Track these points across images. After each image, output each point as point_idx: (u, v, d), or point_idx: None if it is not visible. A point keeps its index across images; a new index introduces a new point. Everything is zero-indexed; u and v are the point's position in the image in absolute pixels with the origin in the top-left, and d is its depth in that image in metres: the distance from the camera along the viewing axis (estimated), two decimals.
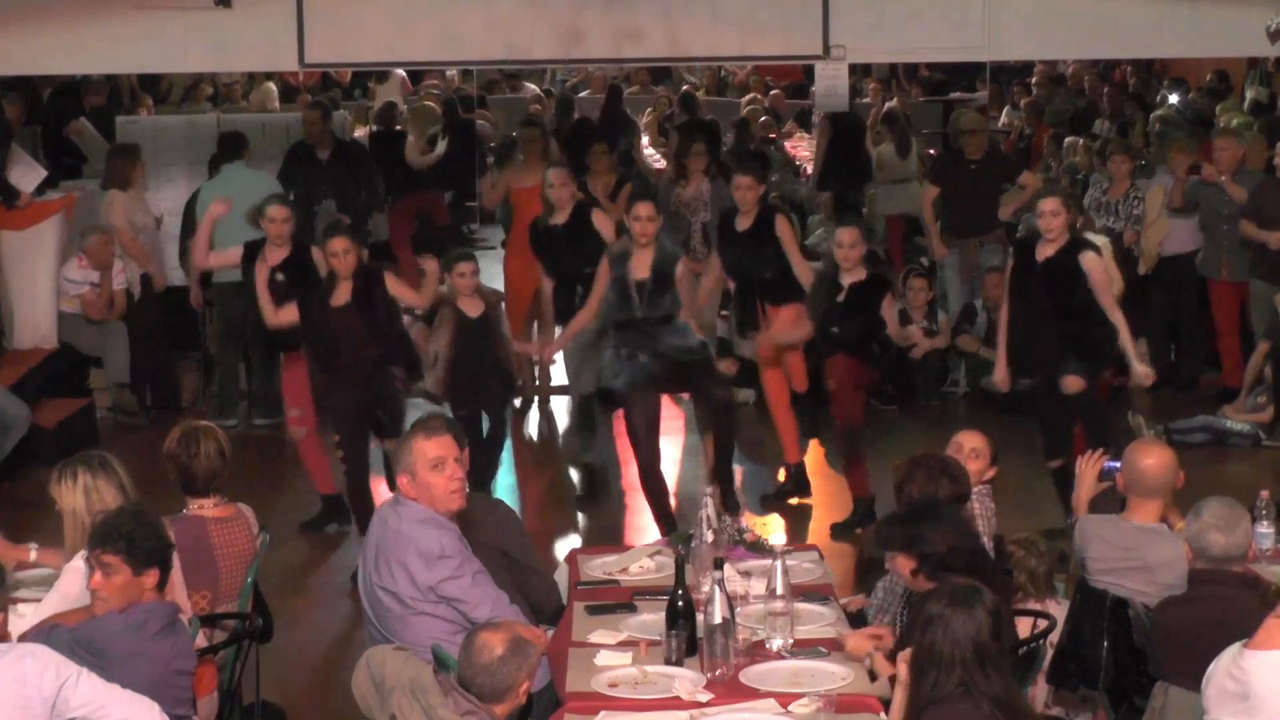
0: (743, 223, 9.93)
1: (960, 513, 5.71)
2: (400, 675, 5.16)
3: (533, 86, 21.47)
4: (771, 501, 9.95)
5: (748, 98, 19.74)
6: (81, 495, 5.94)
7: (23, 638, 5.30)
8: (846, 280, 9.40)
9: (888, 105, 18.37)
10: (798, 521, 9.85)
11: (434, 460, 5.79)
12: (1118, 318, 8.90)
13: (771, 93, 19.93)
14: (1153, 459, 6.20)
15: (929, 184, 13.13)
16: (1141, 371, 9.17)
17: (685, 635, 5.56)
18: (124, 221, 12.06)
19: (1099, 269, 8.91)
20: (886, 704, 5.14)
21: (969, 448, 6.74)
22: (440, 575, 5.73)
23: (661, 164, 16.22)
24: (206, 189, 11.96)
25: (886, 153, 15.90)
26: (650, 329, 9.05)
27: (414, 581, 5.74)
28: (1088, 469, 6.59)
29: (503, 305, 9.91)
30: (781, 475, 10.17)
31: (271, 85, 18.83)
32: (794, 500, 9.98)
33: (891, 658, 5.32)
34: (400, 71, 19.42)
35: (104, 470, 5.99)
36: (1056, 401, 8.97)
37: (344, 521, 9.60)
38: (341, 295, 9.06)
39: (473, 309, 9.44)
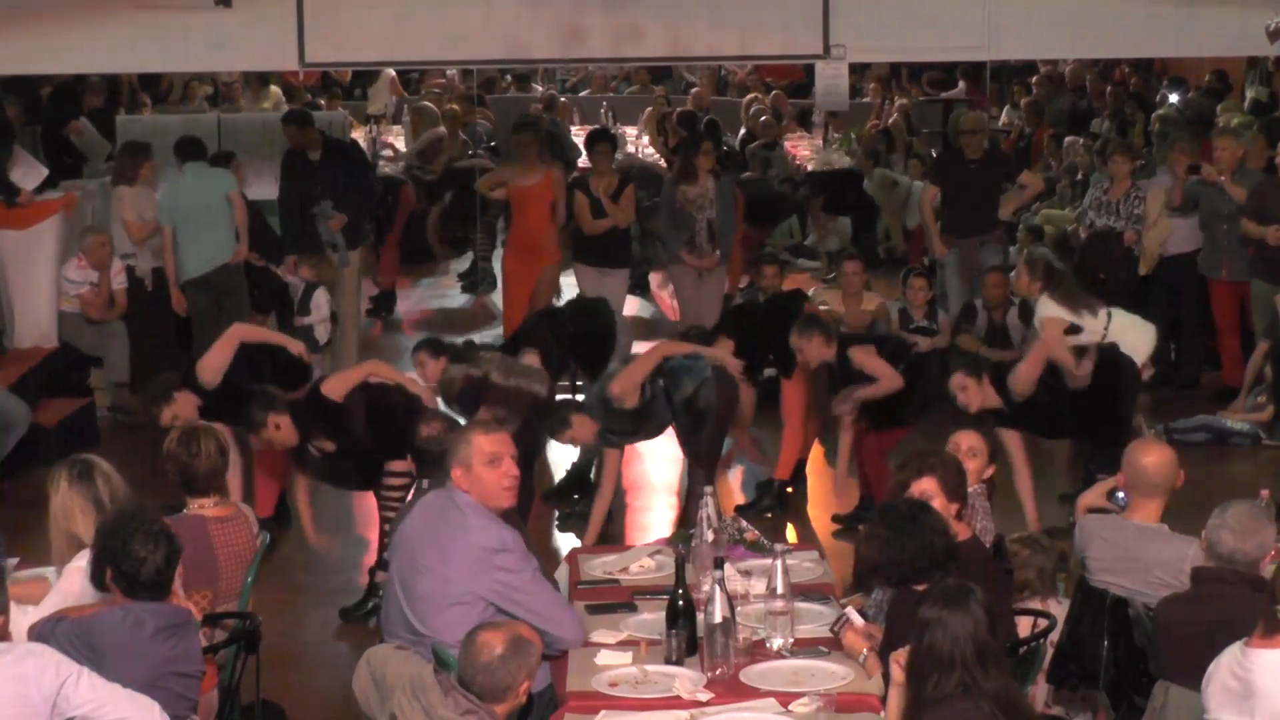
0: None
1: (920, 525, 5.53)
2: (400, 674, 5.16)
3: (539, 88, 21.48)
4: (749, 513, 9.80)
5: (749, 97, 19.75)
6: (60, 504, 5.95)
7: (30, 629, 5.32)
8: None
9: (899, 103, 18.42)
10: (797, 521, 9.86)
11: (490, 456, 5.81)
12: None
13: (773, 93, 19.93)
14: (1152, 457, 6.19)
15: (929, 183, 13.13)
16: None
17: (685, 634, 5.56)
18: (133, 214, 12.04)
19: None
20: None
21: (965, 447, 6.74)
22: (500, 565, 5.69)
23: (661, 163, 16.23)
24: (167, 190, 11.95)
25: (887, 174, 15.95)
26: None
27: (467, 571, 5.70)
28: (1103, 483, 6.64)
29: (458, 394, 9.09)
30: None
31: (276, 89, 18.78)
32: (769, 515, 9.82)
33: (882, 656, 5.33)
34: (389, 71, 19.41)
35: (81, 481, 5.95)
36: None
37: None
38: None
39: None
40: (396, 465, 8.41)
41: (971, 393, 9.00)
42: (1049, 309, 9.53)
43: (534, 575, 5.77)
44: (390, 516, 8.23)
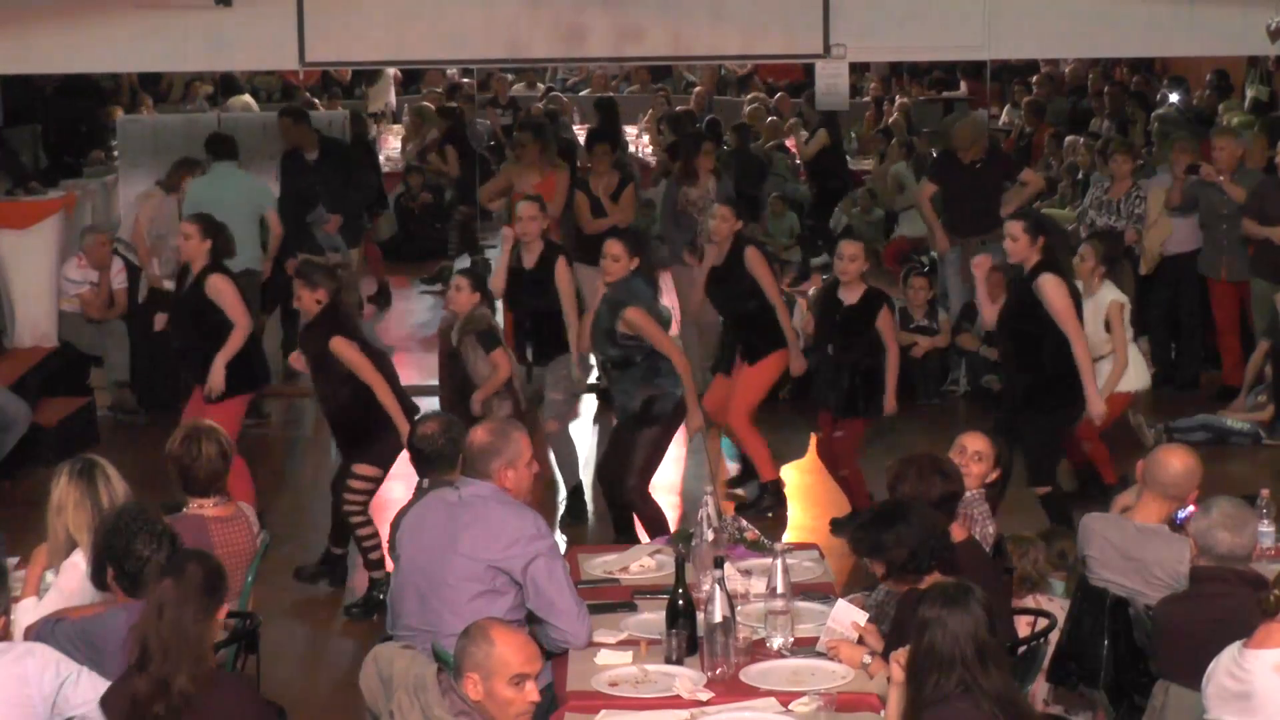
0: (715, 256, 9.92)
1: (929, 513, 5.65)
2: (406, 673, 5.16)
3: (540, 86, 21.50)
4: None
5: (750, 96, 19.76)
6: (56, 498, 5.94)
7: (29, 629, 5.32)
8: (845, 295, 9.38)
9: (900, 102, 18.44)
10: (798, 520, 9.86)
11: (529, 458, 6.02)
12: (1079, 350, 8.63)
13: (777, 95, 19.94)
14: (1180, 463, 6.17)
15: (926, 181, 13.07)
16: (1095, 411, 8.83)
17: (685, 634, 5.57)
18: (146, 218, 12.01)
19: (1058, 295, 8.57)
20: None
21: (972, 450, 6.71)
22: (538, 551, 5.78)
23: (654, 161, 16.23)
24: (195, 186, 11.92)
25: (904, 173, 15.93)
26: (611, 373, 8.87)
27: (519, 551, 5.77)
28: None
29: (488, 327, 9.19)
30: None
31: (248, 98, 18.71)
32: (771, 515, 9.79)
33: (884, 656, 5.33)
34: (389, 70, 19.41)
35: (81, 478, 5.91)
36: (1031, 430, 8.81)
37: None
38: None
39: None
40: (363, 469, 8.53)
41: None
42: (1115, 293, 9.70)
43: (563, 568, 5.87)
44: (359, 519, 8.51)
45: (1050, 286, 8.55)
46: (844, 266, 9.34)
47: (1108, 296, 9.62)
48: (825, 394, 9.49)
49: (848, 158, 18.33)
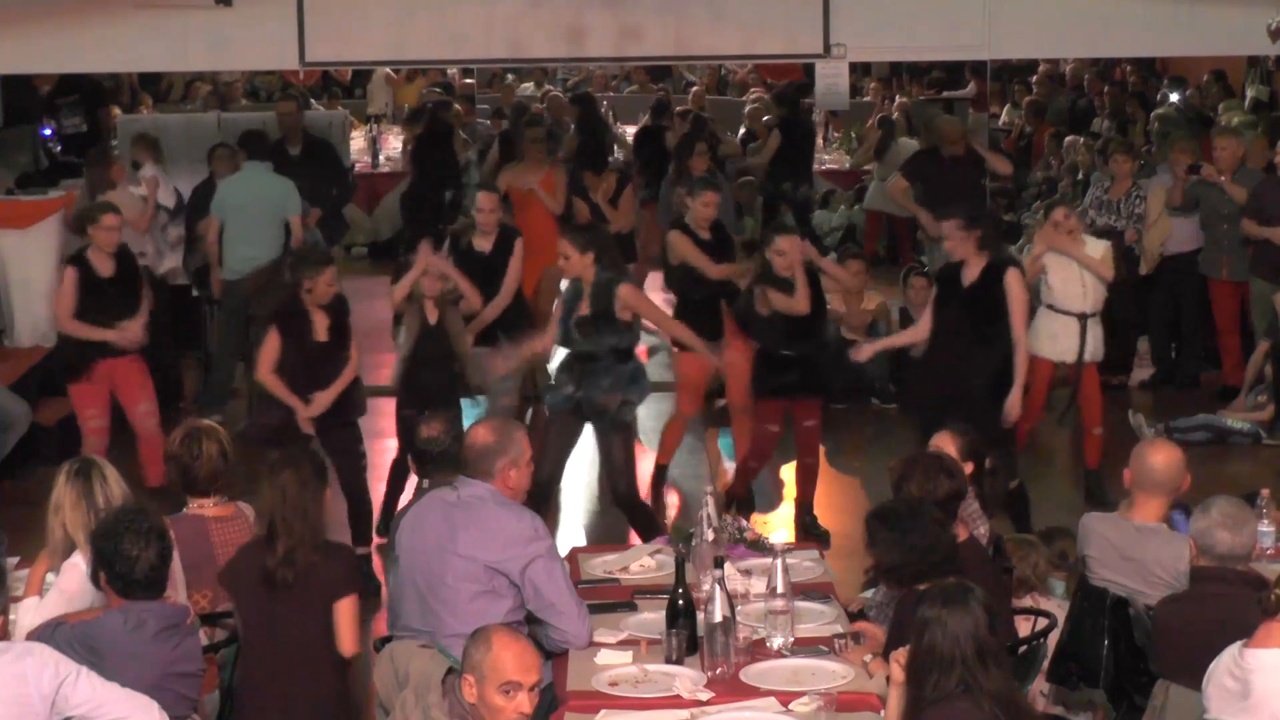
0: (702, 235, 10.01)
1: (923, 521, 5.59)
2: (420, 673, 5.18)
3: (547, 85, 21.49)
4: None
5: (753, 96, 19.75)
6: (54, 498, 5.94)
7: (30, 634, 5.32)
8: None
9: (899, 102, 18.44)
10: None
11: (530, 457, 6.04)
12: (1020, 339, 8.82)
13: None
14: (1161, 457, 6.19)
15: (899, 176, 12.94)
16: (1010, 407, 8.85)
17: (685, 634, 5.57)
18: (128, 212, 11.99)
19: (1023, 290, 8.90)
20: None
21: (937, 450, 6.69)
22: (536, 553, 5.78)
23: None
24: (224, 185, 11.88)
25: (908, 146, 15.92)
26: (586, 365, 8.54)
27: (517, 552, 5.78)
28: None
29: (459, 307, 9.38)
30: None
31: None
32: None
33: (884, 656, 5.33)
34: (380, 71, 19.39)
35: (77, 478, 5.91)
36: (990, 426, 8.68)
37: None
38: (319, 329, 8.75)
39: (431, 313, 9.20)
40: None
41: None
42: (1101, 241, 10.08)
43: (562, 568, 5.88)
44: None
45: (1020, 281, 8.87)
46: (784, 262, 9.26)
47: (1099, 247, 9.94)
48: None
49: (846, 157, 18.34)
